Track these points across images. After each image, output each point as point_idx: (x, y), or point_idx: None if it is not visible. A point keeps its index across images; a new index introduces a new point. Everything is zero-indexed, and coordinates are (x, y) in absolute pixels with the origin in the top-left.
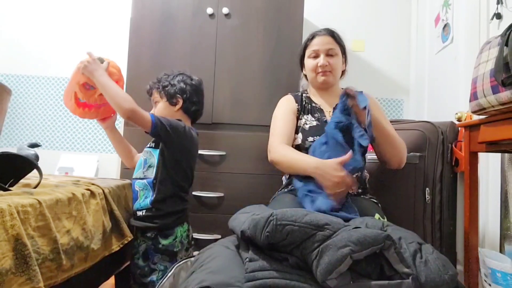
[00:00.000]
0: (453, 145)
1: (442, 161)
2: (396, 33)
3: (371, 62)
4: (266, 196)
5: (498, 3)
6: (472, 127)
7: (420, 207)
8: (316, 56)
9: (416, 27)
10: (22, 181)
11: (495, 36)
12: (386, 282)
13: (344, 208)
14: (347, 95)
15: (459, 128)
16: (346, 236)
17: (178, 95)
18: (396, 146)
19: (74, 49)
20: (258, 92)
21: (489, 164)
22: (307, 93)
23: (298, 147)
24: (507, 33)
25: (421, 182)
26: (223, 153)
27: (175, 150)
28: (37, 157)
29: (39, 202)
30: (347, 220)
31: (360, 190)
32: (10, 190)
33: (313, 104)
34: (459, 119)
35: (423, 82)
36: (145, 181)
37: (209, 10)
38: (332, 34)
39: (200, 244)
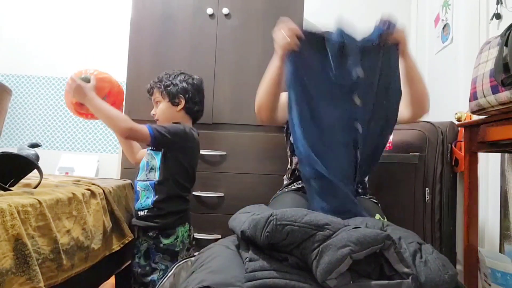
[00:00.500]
0: (453, 145)
1: (442, 161)
2: None
3: None
4: (266, 196)
5: (497, 3)
6: (472, 127)
7: (420, 207)
8: None
9: (415, 27)
10: (23, 181)
11: (495, 36)
12: (386, 282)
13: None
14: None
15: (459, 128)
16: (346, 236)
17: (180, 95)
18: (423, 89)
19: (75, 49)
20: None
21: (489, 164)
22: None
23: None
24: (507, 33)
25: (420, 182)
26: (223, 153)
27: (177, 152)
28: (37, 157)
29: (40, 202)
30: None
31: (360, 190)
32: (10, 190)
33: None
34: (458, 119)
35: None
36: (147, 182)
37: (209, 10)
38: None
39: (201, 244)
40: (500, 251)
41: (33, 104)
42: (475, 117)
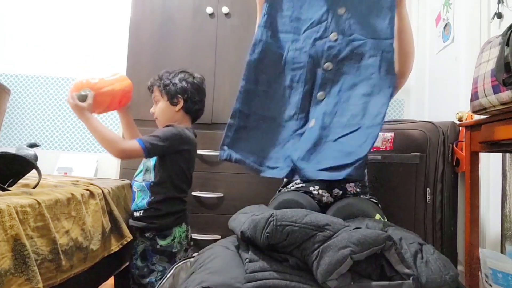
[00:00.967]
0: (454, 145)
1: (443, 161)
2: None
3: None
4: (266, 196)
5: (499, 2)
6: (473, 127)
7: (421, 207)
8: None
9: (416, 27)
10: (21, 181)
11: (496, 35)
12: (386, 282)
13: None
14: None
15: (460, 128)
16: (347, 236)
17: (179, 95)
18: (410, 43)
19: (74, 49)
20: None
21: (490, 164)
22: None
23: None
24: (508, 32)
25: (421, 182)
26: None
27: (173, 155)
28: (36, 157)
29: (38, 203)
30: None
31: (359, 190)
32: (9, 190)
33: None
34: (460, 119)
35: (423, 82)
36: (143, 183)
37: (209, 10)
38: None
39: (200, 245)
40: (502, 252)
41: (32, 104)
42: (477, 117)
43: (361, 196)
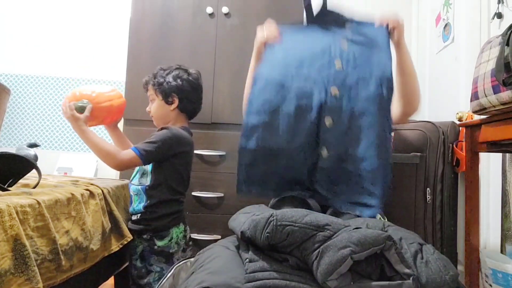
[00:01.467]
0: (454, 145)
1: (443, 161)
2: None
3: None
4: None
5: (499, 2)
6: (473, 127)
7: (420, 207)
8: None
9: (416, 27)
10: (21, 181)
11: (496, 35)
12: (386, 282)
13: None
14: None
15: (460, 128)
16: (347, 236)
17: (174, 94)
18: (414, 84)
19: (74, 49)
20: None
21: (490, 164)
22: None
23: None
24: (508, 32)
25: (421, 182)
26: (223, 153)
27: (170, 158)
28: (36, 157)
29: (38, 203)
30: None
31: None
32: (9, 190)
33: None
34: (460, 119)
35: (423, 81)
36: (139, 187)
37: (209, 10)
38: None
39: (200, 245)
40: (502, 252)
41: (32, 104)
42: (477, 117)
43: None
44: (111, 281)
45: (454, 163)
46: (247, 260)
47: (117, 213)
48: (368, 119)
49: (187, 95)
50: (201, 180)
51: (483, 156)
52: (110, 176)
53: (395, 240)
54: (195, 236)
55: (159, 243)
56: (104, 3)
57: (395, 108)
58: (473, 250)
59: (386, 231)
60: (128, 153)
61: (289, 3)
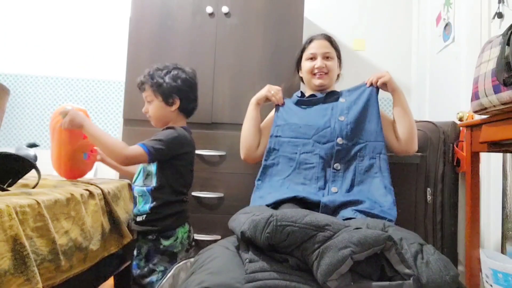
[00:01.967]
0: (455, 145)
1: (443, 161)
2: (397, 32)
3: (372, 61)
4: None
5: (499, 2)
6: (474, 127)
7: (421, 207)
8: (313, 59)
9: (417, 26)
10: (21, 181)
11: (497, 35)
12: (387, 283)
13: None
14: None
15: (461, 128)
16: (347, 237)
17: (175, 95)
18: (413, 123)
19: (74, 49)
20: (258, 91)
21: (491, 164)
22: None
23: None
24: (509, 32)
25: (422, 182)
26: (223, 153)
27: (173, 159)
28: (35, 157)
29: (38, 203)
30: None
31: None
32: (8, 190)
33: None
34: (460, 119)
35: (424, 81)
36: (144, 188)
37: (209, 9)
38: (329, 39)
39: (200, 245)
40: (502, 252)
41: (32, 103)
42: (477, 117)
43: None
44: (111, 281)
45: (455, 163)
46: (247, 260)
47: (116, 213)
48: (367, 185)
49: (187, 95)
50: (201, 180)
51: (484, 156)
52: (110, 176)
53: (396, 240)
54: (195, 236)
55: (165, 243)
56: (104, 3)
57: (396, 143)
58: (473, 250)
59: (387, 231)
60: (136, 148)
61: (289, 3)
